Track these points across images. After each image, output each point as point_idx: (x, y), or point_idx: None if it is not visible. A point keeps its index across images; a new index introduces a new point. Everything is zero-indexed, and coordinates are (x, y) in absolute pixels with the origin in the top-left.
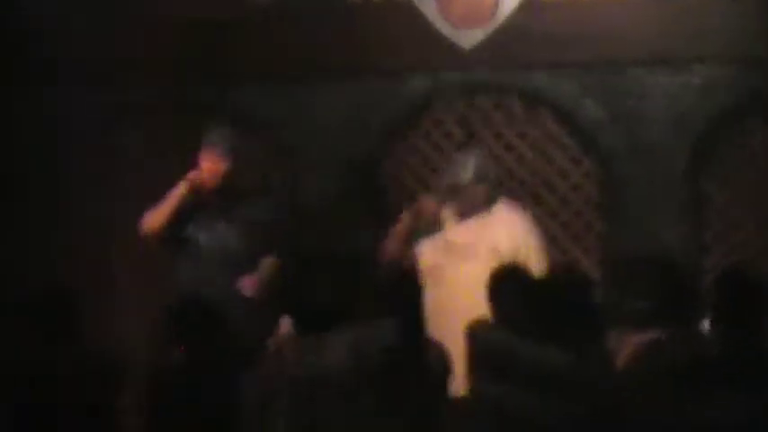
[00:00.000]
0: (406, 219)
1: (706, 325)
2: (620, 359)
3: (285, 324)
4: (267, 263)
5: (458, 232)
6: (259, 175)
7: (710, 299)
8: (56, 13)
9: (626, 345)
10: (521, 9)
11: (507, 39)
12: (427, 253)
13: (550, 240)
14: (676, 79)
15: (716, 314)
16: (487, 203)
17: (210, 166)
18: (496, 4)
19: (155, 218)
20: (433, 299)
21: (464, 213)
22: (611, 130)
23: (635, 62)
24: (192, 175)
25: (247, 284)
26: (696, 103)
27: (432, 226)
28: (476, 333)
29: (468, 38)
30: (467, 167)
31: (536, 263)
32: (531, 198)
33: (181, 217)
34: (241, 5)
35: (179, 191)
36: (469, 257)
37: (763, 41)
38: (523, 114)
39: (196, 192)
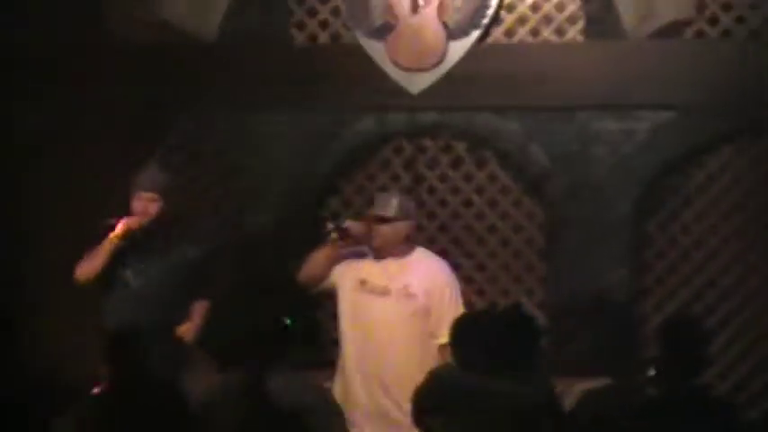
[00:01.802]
0: (332, 241)
1: (651, 371)
2: (566, 406)
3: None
4: (200, 306)
5: (372, 272)
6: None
7: (656, 346)
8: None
9: (570, 392)
10: (469, 53)
11: (455, 82)
12: (346, 290)
13: (492, 282)
14: (621, 125)
15: (661, 361)
16: (407, 242)
17: (142, 207)
18: (445, 49)
19: (88, 267)
20: (353, 335)
21: (383, 249)
22: (555, 174)
23: (581, 107)
24: (122, 223)
25: (186, 332)
26: (640, 149)
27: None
28: (442, 376)
29: (416, 81)
30: (392, 203)
31: (449, 308)
32: (475, 240)
33: (114, 261)
34: (187, 38)
35: (111, 240)
36: (383, 296)
37: (707, 89)
38: (469, 157)
39: (128, 237)
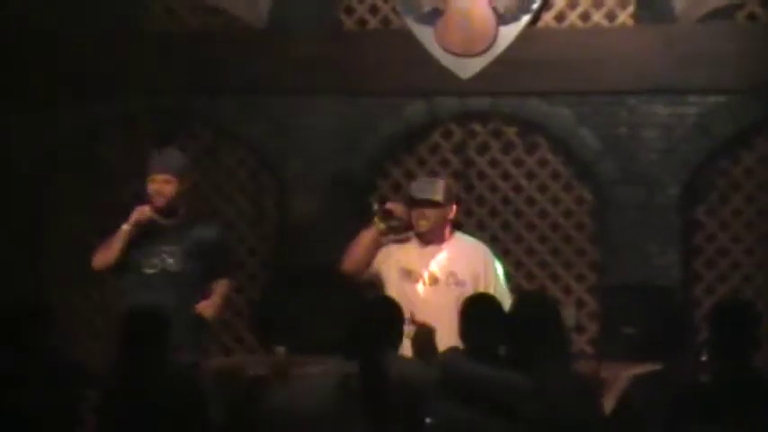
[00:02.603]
0: (376, 226)
1: (703, 356)
2: (615, 391)
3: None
4: (222, 285)
5: (416, 261)
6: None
7: (707, 331)
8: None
9: (621, 377)
10: (519, 38)
11: (505, 67)
12: (390, 282)
13: (541, 266)
14: (671, 109)
15: (713, 346)
16: (449, 227)
17: (157, 188)
18: (495, 33)
19: (106, 256)
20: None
21: (429, 234)
22: (605, 159)
23: (631, 91)
24: (138, 211)
25: (206, 309)
26: (690, 133)
27: (399, 232)
28: (446, 362)
29: (467, 66)
30: (438, 186)
31: (496, 292)
32: (525, 225)
33: (131, 247)
34: (235, 22)
35: (127, 227)
36: (431, 285)
37: (757, 72)
38: (520, 142)
39: (141, 225)
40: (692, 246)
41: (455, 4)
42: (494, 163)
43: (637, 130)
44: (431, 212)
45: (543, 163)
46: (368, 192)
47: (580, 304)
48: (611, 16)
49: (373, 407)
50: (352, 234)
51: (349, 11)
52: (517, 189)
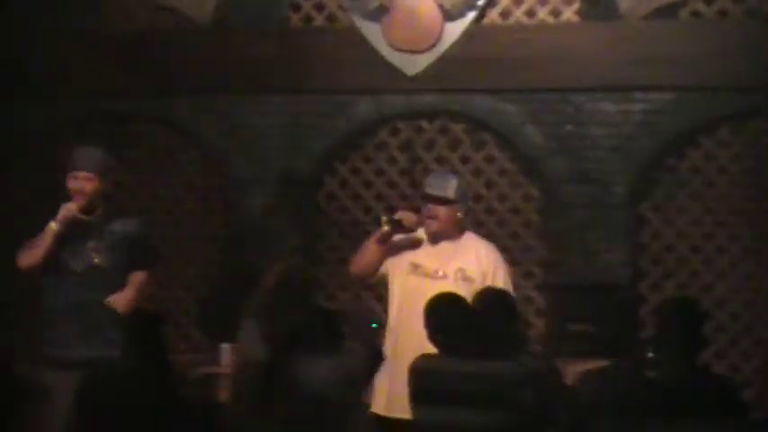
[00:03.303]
0: (384, 233)
1: (650, 352)
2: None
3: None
4: (138, 276)
5: (425, 256)
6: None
7: (653, 327)
8: None
9: (569, 374)
10: (465, 35)
11: (451, 64)
12: (397, 275)
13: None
14: (617, 106)
15: (659, 343)
16: (460, 225)
17: (78, 186)
18: (441, 30)
19: (33, 254)
20: (407, 319)
21: (441, 232)
22: (552, 156)
23: (577, 88)
24: (65, 208)
25: (118, 301)
26: (636, 131)
27: (407, 241)
28: (419, 369)
29: (413, 63)
30: (451, 183)
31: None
32: (473, 222)
33: (56, 248)
34: (181, 20)
35: (55, 225)
36: (439, 279)
37: (702, 70)
38: (467, 139)
39: (67, 223)
40: (638, 243)
41: (401, 1)
42: (441, 160)
43: (583, 128)
44: (442, 210)
45: (490, 160)
46: (315, 189)
47: (528, 301)
48: (556, 13)
49: (274, 405)
50: (300, 231)
51: (295, 8)
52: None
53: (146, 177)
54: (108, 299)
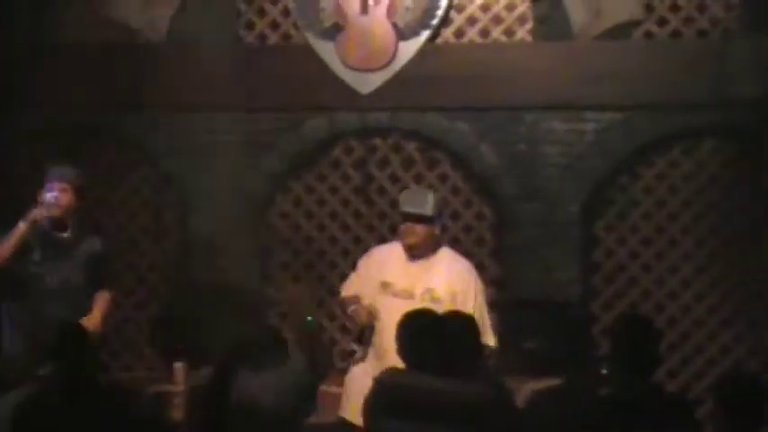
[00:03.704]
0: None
1: (603, 370)
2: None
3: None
4: (104, 297)
5: (395, 274)
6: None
7: (607, 345)
8: None
9: (522, 391)
10: (419, 53)
11: (405, 82)
12: (367, 296)
13: None
14: (569, 125)
15: (613, 360)
16: (437, 243)
17: (54, 196)
18: (395, 49)
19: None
20: (386, 335)
21: (417, 248)
22: (504, 175)
23: (529, 107)
24: (33, 213)
25: (90, 323)
26: (588, 150)
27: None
28: (384, 381)
29: (367, 82)
30: (428, 200)
31: (473, 309)
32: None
33: (24, 252)
34: (137, 37)
35: (24, 225)
36: (407, 300)
37: (655, 90)
38: (420, 157)
39: (38, 226)
40: (590, 261)
41: (355, 20)
42: (394, 178)
43: (536, 147)
44: (420, 227)
45: (443, 178)
46: (268, 207)
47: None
48: (509, 33)
49: (215, 418)
50: (252, 249)
51: (249, 26)
52: None
53: (100, 193)
54: (81, 320)
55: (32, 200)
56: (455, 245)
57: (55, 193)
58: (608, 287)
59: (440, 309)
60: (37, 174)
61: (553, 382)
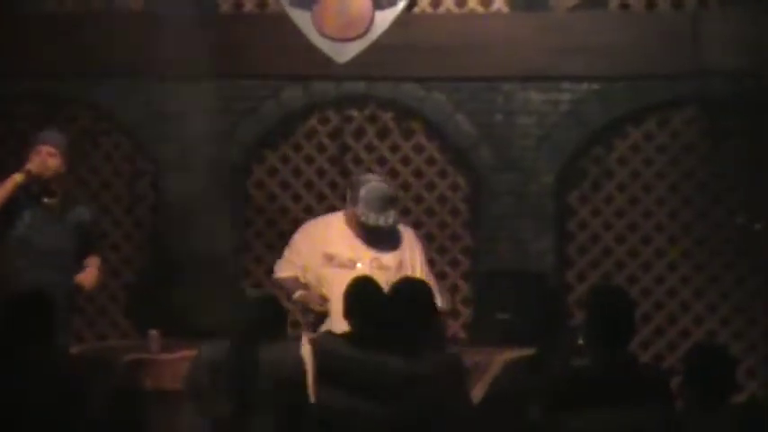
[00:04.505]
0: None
1: (579, 340)
2: (488, 377)
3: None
4: (94, 260)
5: (339, 245)
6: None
7: (583, 315)
8: None
9: (494, 362)
10: (395, 24)
11: (381, 52)
12: (311, 269)
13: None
14: (545, 96)
15: (590, 330)
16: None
17: (43, 158)
18: (372, 18)
19: None
20: (334, 308)
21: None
22: (480, 145)
23: (505, 78)
24: (27, 166)
25: (87, 279)
26: (563, 120)
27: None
28: (321, 346)
29: (343, 51)
30: (389, 212)
31: (420, 274)
32: (400, 211)
33: (10, 211)
34: (110, 5)
35: (13, 179)
36: (354, 270)
37: (630, 61)
38: (396, 127)
39: (27, 184)
40: (565, 232)
41: None
42: (370, 148)
43: (511, 117)
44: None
45: (419, 149)
46: (244, 176)
47: (454, 289)
48: (486, 2)
49: (238, 390)
50: (227, 218)
51: None
52: (393, 174)
53: (73, 161)
54: (76, 277)
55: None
56: (430, 216)
57: (41, 158)
58: (582, 258)
59: (387, 276)
60: (11, 139)
61: (526, 352)
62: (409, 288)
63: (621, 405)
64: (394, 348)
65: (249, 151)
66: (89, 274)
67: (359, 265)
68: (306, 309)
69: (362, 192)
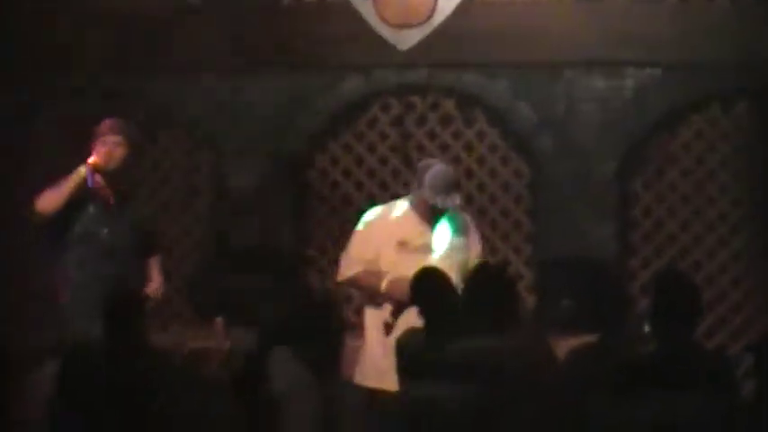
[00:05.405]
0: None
1: (646, 327)
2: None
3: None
4: (157, 262)
5: (411, 231)
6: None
7: (649, 302)
8: None
9: (560, 349)
10: (458, 10)
11: (444, 40)
12: (383, 256)
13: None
14: (608, 82)
15: (657, 317)
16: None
17: (110, 149)
18: (434, 6)
19: (50, 198)
20: None
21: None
22: (542, 132)
23: (569, 64)
24: (91, 159)
25: (154, 291)
26: (627, 107)
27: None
28: (405, 343)
29: (405, 38)
30: (455, 195)
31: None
32: (463, 198)
33: (76, 206)
34: (171, 1)
35: (78, 173)
36: (427, 254)
37: (692, 47)
38: (458, 115)
39: (93, 178)
40: (628, 219)
41: None
42: (432, 136)
43: (574, 104)
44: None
45: (481, 136)
46: (306, 167)
47: (518, 277)
48: None
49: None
50: (290, 210)
51: None
52: (455, 162)
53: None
54: (147, 290)
55: (66, 157)
56: (493, 203)
57: (108, 148)
58: (646, 245)
59: (457, 258)
60: (69, 134)
61: (590, 339)
62: (489, 271)
63: (686, 392)
64: (475, 331)
65: (311, 141)
66: (155, 285)
67: (434, 250)
68: (394, 296)
69: (428, 176)
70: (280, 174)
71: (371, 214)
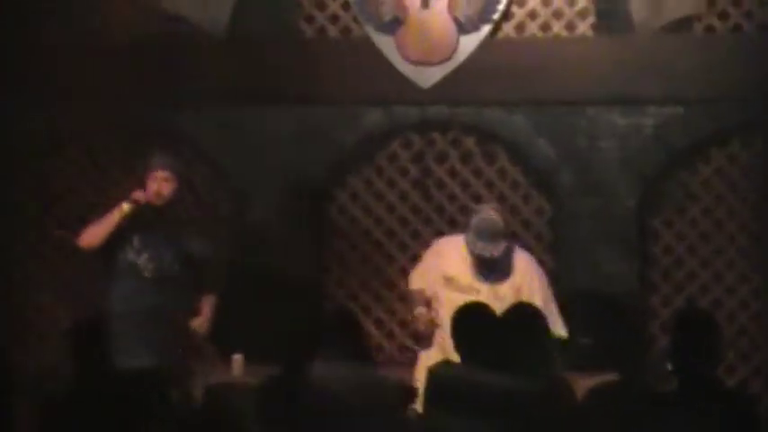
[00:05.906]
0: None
1: (667, 365)
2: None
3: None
4: (211, 301)
5: (459, 269)
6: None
7: (671, 339)
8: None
9: (578, 388)
10: (479, 48)
11: (465, 76)
12: (434, 284)
13: None
14: (629, 120)
15: (678, 355)
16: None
17: (158, 186)
18: (456, 43)
19: (94, 232)
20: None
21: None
22: (563, 169)
23: (589, 101)
24: (135, 194)
25: (200, 325)
26: (647, 144)
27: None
28: (435, 373)
29: (427, 76)
30: (499, 244)
31: (539, 302)
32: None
33: (122, 235)
34: (194, 30)
35: (121, 209)
36: (472, 295)
37: (715, 84)
38: (479, 151)
39: (138, 211)
40: (648, 256)
41: (416, 14)
42: (452, 172)
43: (594, 141)
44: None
45: (502, 173)
46: (326, 201)
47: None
48: (570, 27)
49: (288, 409)
50: (309, 244)
51: (309, 19)
52: (476, 199)
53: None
54: (192, 323)
55: (93, 191)
56: (513, 239)
57: (157, 184)
58: (666, 282)
59: (504, 305)
60: (92, 172)
61: (608, 378)
62: (520, 313)
63: (708, 430)
64: (507, 372)
65: (331, 175)
66: (200, 320)
67: (479, 293)
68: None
69: (474, 221)
70: (299, 208)
71: (440, 240)
